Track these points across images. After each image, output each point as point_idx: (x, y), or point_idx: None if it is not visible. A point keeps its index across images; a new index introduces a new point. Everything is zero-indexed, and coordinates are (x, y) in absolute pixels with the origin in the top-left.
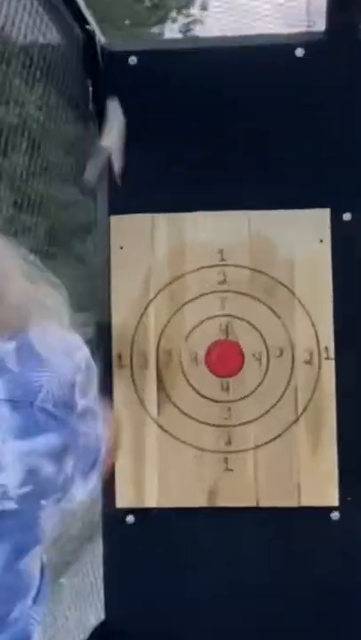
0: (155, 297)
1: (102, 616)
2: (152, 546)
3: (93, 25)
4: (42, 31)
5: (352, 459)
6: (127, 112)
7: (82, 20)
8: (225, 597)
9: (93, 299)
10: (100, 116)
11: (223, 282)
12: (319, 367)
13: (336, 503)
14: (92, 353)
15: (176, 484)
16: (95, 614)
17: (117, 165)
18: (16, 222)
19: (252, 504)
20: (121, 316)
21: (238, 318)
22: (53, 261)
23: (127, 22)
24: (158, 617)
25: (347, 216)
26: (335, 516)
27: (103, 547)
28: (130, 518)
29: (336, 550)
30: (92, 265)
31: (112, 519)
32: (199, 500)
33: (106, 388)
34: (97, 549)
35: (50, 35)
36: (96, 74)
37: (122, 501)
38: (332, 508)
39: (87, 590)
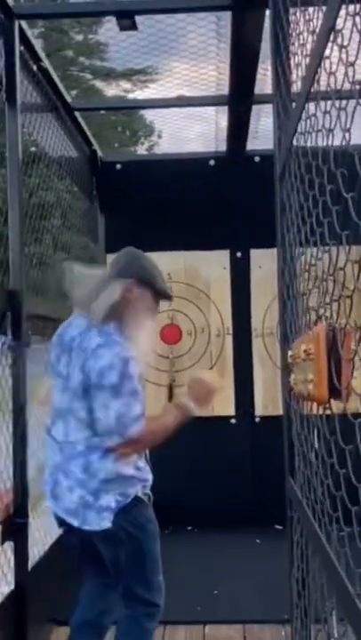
0: None
1: None
2: None
3: (96, 146)
4: (67, 150)
5: (242, 388)
6: (115, 196)
7: (89, 143)
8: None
9: None
10: (100, 198)
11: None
12: (224, 339)
13: (233, 413)
14: None
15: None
16: None
17: None
18: (54, 258)
19: None
20: None
21: (179, 311)
22: None
23: (116, 145)
24: None
25: (239, 254)
26: (233, 421)
27: None
28: None
29: (234, 441)
30: None
31: None
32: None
33: None
34: None
35: (71, 152)
36: (97, 173)
37: None
38: (231, 417)
39: None
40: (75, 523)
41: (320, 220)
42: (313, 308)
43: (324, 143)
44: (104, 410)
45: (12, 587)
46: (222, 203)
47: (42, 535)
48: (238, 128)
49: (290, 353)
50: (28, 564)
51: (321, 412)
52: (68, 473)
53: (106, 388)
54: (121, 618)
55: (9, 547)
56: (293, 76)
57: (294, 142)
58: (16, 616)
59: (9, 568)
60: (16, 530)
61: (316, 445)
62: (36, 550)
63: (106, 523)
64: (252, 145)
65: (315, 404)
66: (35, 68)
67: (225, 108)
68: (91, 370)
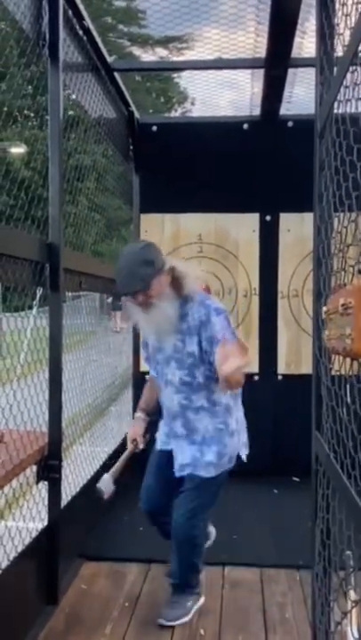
0: None
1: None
2: None
3: (133, 108)
4: (105, 111)
5: (266, 347)
6: (150, 158)
7: (127, 105)
8: None
9: None
10: (136, 159)
11: (200, 251)
12: (250, 299)
13: (257, 371)
14: None
15: None
16: (128, 424)
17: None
18: (89, 218)
19: None
20: None
21: (208, 272)
22: (110, 240)
23: (151, 111)
24: None
25: (268, 217)
26: (256, 378)
27: (132, 391)
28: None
29: (256, 397)
30: (131, 242)
31: (137, 374)
32: None
33: None
34: (128, 392)
35: (109, 113)
36: (134, 135)
37: (142, 367)
38: (254, 374)
39: (124, 413)
40: None
41: None
42: (352, 264)
43: None
44: None
45: (46, 523)
46: (254, 166)
47: (74, 477)
48: (273, 90)
49: (324, 309)
50: (60, 503)
51: (356, 367)
52: None
53: None
54: None
55: (43, 486)
56: (341, 28)
57: (339, 97)
58: (48, 551)
59: (43, 506)
60: (50, 470)
61: (349, 400)
62: (69, 490)
63: None
64: (285, 111)
65: (348, 360)
66: (77, 26)
67: (260, 74)
68: None
